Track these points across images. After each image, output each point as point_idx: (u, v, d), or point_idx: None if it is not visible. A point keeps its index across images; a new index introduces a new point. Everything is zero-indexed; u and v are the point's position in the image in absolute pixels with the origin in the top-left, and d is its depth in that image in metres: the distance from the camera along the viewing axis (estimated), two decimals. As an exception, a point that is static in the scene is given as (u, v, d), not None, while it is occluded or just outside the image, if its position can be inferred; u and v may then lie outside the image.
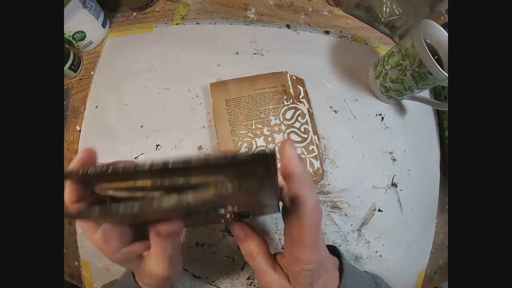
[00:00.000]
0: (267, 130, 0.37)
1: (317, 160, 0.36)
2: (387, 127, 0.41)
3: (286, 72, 0.39)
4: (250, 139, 0.36)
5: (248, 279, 0.36)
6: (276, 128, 0.37)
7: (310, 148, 0.36)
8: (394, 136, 0.41)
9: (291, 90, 0.38)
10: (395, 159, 0.40)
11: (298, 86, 0.39)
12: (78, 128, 0.39)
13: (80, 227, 0.20)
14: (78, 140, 0.38)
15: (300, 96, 0.38)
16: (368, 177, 0.39)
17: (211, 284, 0.36)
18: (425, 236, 0.41)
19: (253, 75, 0.38)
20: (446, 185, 0.43)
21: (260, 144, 0.36)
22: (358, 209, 0.38)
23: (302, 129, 0.37)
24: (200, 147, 0.37)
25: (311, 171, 0.36)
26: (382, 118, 0.41)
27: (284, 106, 0.37)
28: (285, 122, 0.37)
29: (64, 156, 0.39)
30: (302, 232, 0.19)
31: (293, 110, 0.37)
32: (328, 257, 0.23)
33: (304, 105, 0.38)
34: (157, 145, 0.37)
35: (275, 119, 0.37)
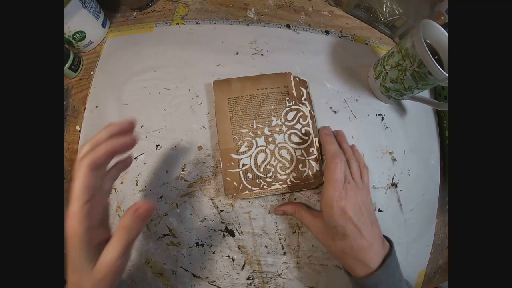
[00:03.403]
0: (268, 130, 0.36)
1: (316, 163, 0.36)
2: (387, 127, 0.41)
3: (290, 73, 0.38)
4: (250, 139, 0.36)
5: (248, 279, 0.36)
6: (277, 129, 0.37)
7: (310, 150, 0.36)
8: (394, 136, 0.41)
9: (294, 91, 0.38)
10: (395, 159, 0.40)
11: (301, 88, 0.39)
12: (78, 128, 0.39)
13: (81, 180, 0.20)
14: (78, 140, 0.38)
15: (303, 98, 0.38)
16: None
17: (211, 284, 0.36)
18: (425, 236, 0.41)
19: (257, 74, 0.38)
20: (446, 185, 0.43)
21: (260, 143, 0.36)
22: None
23: (303, 131, 0.37)
24: (200, 147, 0.37)
25: (310, 173, 0.36)
26: (382, 118, 0.41)
27: (286, 107, 0.37)
28: (286, 123, 0.37)
29: (64, 156, 0.39)
30: (327, 170, 0.30)
31: (295, 112, 0.37)
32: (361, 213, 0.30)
33: (306, 107, 0.38)
34: (157, 145, 0.37)
35: (276, 120, 0.37)
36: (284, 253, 0.37)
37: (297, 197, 0.37)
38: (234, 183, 0.35)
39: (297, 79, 0.39)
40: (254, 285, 0.36)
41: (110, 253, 0.20)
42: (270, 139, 0.36)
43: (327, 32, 0.44)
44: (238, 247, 0.36)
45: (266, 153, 0.36)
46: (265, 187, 0.35)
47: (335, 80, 0.41)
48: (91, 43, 0.41)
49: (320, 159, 0.36)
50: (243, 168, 0.35)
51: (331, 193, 0.29)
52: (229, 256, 0.36)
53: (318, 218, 0.31)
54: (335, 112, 0.40)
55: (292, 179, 0.35)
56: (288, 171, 0.35)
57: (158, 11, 0.44)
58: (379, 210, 0.39)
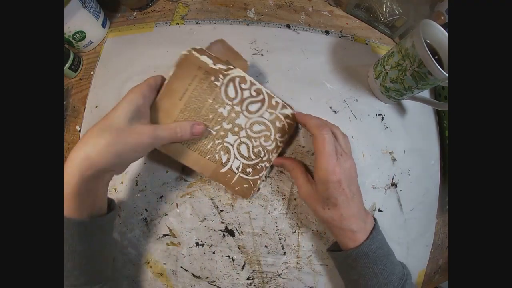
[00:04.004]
0: (227, 123, 0.33)
1: (285, 108, 0.33)
2: (387, 127, 0.41)
3: (190, 51, 0.30)
4: (221, 145, 0.33)
5: (248, 279, 0.36)
6: (233, 114, 0.33)
7: (273, 102, 0.33)
8: (394, 136, 0.41)
9: (212, 65, 0.31)
10: (395, 159, 0.40)
11: (212, 54, 0.31)
12: (78, 128, 0.39)
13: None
14: (78, 140, 0.38)
15: (223, 65, 0.31)
16: (368, 177, 0.39)
17: (211, 284, 0.36)
18: (425, 236, 0.41)
19: (164, 84, 0.31)
20: (446, 185, 0.43)
21: (232, 140, 0.33)
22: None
23: (254, 93, 0.32)
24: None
25: (287, 121, 0.34)
26: (382, 118, 0.41)
27: (220, 87, 0.31)
28: (234, 101, 0.32)
29: (64, 156, 0.39)
30: (318, 146, 0.29)
31: (231, 83, 0.32)
32: (350, 190, 0.30)
33: (234, 67, 0.32)
34: (157, 145, 0.37)
35: (224, 108, 0.32)
36: (284, 253, 0.37)
37: (297, 197, 0.37)
38: (245, 185, 0.35)
39: (198, 49, 0.30)
40: (254, 285, 0.36)
41: (160, 129, 0.28)
42: (236, 129, 0.33)
43: (327, 32, 0.44)
44: (238, 247, 0.36)
45: (243, 142, 0.34)
46: (267, 165, 0.35)
47: (335, 80, 0.41)
48: (91, 43, 0.41)
49: (284, 102, 0.34)
50: (240, 171, 0.34)
51: (325, 166, 0.28)
52: (229, 256, 0.36)
53: (312, 185, 0.31)
54: (335, 112, 0.40)
55: (279, 139, 0.34)
56: (272, 137, 0.34)
57: (158, 11, 0.44)
58: (379, 210, 0.39)
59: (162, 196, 0.37)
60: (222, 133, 0.33)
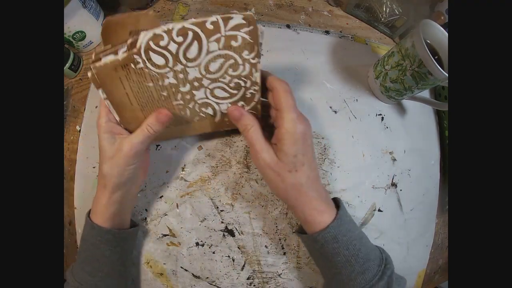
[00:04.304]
0: (184, 86, 0.28)
1: (232, 17, 0.25)
2: (387, 127, 0.41)
3: (91, 66, 0.26)
4: (197, 105, 0.30)
5: (248, 279, 0.36)
6: (181, 75, 0.28)
7: (209, 26, 0.25)
8: (394, 136, 0.41)
9: (118, 57, 0.25)
10: (395, 159, 0.40)
11: (106, 48, 0.27)
12: (78, 128, 0.39)
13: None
14: (78, 140, 0.38)
15: (123, 46, 0.26)
16: (368, 177, 0.39)
17: (211, 284, 0.36)
18: (425, 236, 0.41)
19: (108, 105, 0.29)
20: (446, 185, 0.43)
21: (203, 94, 0.29)
22: (358, 209, 0.38)
23: (179, 39, 0.25)
24: (200, 147, 0.37)
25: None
26: (382, 118, 0.41)
27: (146, 65, 0.26)
28: (168, 64, 0.26)
29: (64, 156, 0.39)
30: (281, 98, 0.26)
31: (150, 52, 0.25)
32: (313, 165, 0.28)
33: (137, 35, 0.25)
34: (157, 145, 0.37)
35: (168, 78, 0.27)
36: (284, 253, 0.37)
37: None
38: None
39: (101, 52, 0.27)
40: (254, 285, 0.36)
41: (134, 136, 0.28)
42: (195, 83, 0.28)
43: (327, 32, 0.44)
44: (238, 247, 0.36)
45: (213, 87, 0.29)
46: (256, 88, 0.29)
47: (335, 80, 0.41)
48: (91, 43, 0.41)
49: (222, 15, 0.25)
50: None
51: (292, 116, 0.26)
52: (229, 256, 0.36)
53: (272, 149, 0.27)
54: (335, 112, 0.40)
55: (249, 56, 0.27)
56: (239, 60, 0.27)
57: (158, 11, 0.44)
58: (379, 210, 0.39)
59: (162, 196, 0.37)
60: (188, 97, 0.29)
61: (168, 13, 0.44)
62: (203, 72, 0.27)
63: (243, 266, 0.36)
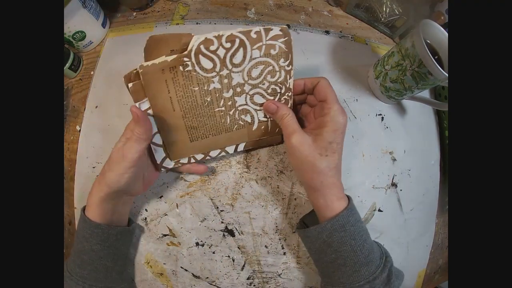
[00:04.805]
0: (227, 92, 0.30)
1: (272, 29, 0.28)
2: (387, 127, 0.41)
3: (141, 67, 0.27)
4: (237, 112, 0.31)
5: (248, 279, 0.36)
6: (225, 80, 0.29)
7: (254, 35, 0.28)
8: (394, 136, 0.41)
9: (168, 58, 0.27)
10: (395, 159, 0.40)
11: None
12: (78, 128, 0.39)
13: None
14: (78, 140, 0.38)
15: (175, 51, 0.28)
16: (368, 177, 0.39)
17: (211, 284, 0.36)
18: (425, 236, 0.41)
19: (151, 112, 0.29)
20: (446, 185, 0.43)
21: (244, 100, 0.31)
22: (358, 209, 0.38)
23: (228, 44, 0.27)
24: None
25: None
26: (382, 118, 0.41)
27: (194, 68, 0.28)
28: (216, 69, 0.28)
29: (64, 156, 0.39)
30: (326, 90, 0.30)
31: (200, 56, 0.27)
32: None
33: (187, 43, 0.27)
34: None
35: (213, 82, 0.29)
36: (284, 253, 0.37)
37: (297, 197, 0.37)
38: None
39: (153, 54, 0.29)
40: (254, 285, 0.36)
41: (128, 143, 0.28)
42: (238, 89, 0.30)
43: (327, 32, 0.44)
44: (238, 247, 0.36)
45: (253, 93, 0.31)
46: (289, 93, 0.32)
47: (335, 80, 0.41)
48: (91, 43, 0.41)
49: (264, 27, 0.28)
50: (268, 116, 0.33)
51: (338, 106, 0.29)
52: (229, 256, 0.36)
53: (307, 132, 0.29)
54: (335, 112, 0.40)
55: (284, 63, 0.30)
56: (276, 67, 0.30)
57: (158, 11, 0.44)
58: (379, 210, 0.39)
59: (162, 196, 0.37)
60: (230, 103, 0.31)
61: (168, 13, 0.44)
62: (246, 78, 0.30)
63: (243, 266, 0.36)
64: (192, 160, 0.34)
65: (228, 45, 0.27)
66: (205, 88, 0.29)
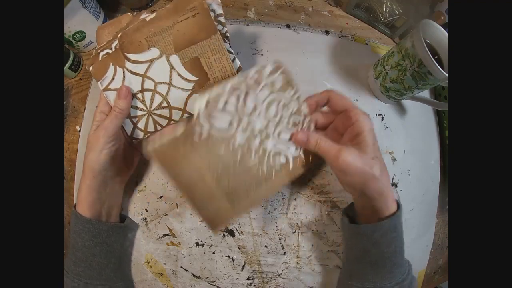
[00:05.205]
0: (254, 141, 0.29)
1: (267, 66, 0.28)
2: (387, 127, 0.41)
3: (154, 147, 0.26)
4: (271, 158, 0.30)
5: (248, 279, 0.36)
6: (248, 133, 0.28)
7: (253, 82, 0.28)
8: (394, 136, 0.41)
9: (179, 134, 0.26)
10: (395, 159, 0.40)
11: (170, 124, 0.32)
12: (78, 128, 0.39)
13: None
14: (78, 140, 0.38)
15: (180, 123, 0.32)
16: (368, 177, 0.39)
17: (211, 284, 0.36)
18: (425, 236, 0.41)
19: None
20: (446, 185, 0.43)
21: (272, 144, 0.30)
22: (358, 209, 0.38)
23: (234, 100, 0.27)
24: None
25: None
26: (382, 118, 0.41)
27: (210, 135, 0.27)
28: (234, 125, 0.28)
29: (64, 156, 0.39)
30: (343, 101, 0.30)
31: (212, 116, 0.26)
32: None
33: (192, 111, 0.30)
34: (157, 145, 0.37)
35: (237, 139, 0.28)
36: (284, 253, 0.37)
37: (297, 197, 0.37)
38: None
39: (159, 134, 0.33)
40: (254, 285, 0.36)
41: (105, 119, 0.29)
42: (263, 134, 0.30)
43: (327, 32, 0.44)
44: (238, 247, 0.36)
45: (278, 132, 0.30)
46: (308, 117, 0.31)
47: (335, 80, 0.41)
48: (91, 43, 0.41)
49: (256, 69, 0.28)
50: (299, 150, 0.32)
51: (360, 110, 0.29)
52: (229, 256, 0.36)
53: (350, 149, 0.28)
54: (335, 112, 0.40)
55: (293, 92, 0.31)
56: (287, 98, 0.30)
57: (158, 11, 0.44)
58: (379, 210, 0.39)
59: (162, 196, 0.37)
60: (261, 152, 0.29)
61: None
62: (265, 121, 0.29)
63: (243, 266, 0.36)
64: (158, 128, 0.32)
65: (233, 99, 0.27)
66: (231, 147, 0.28)
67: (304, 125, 0.31)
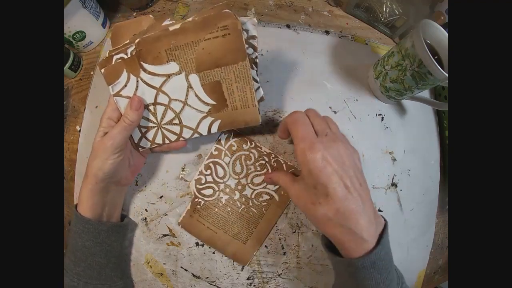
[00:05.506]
0: (240, 198, 0.36)
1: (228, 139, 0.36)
2: (387, 127, 0.41)
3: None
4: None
5: (248, 279, 0.36)
6: (239, 203, 0.36)
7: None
8: (394, 136, 0.41)
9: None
10: (395, 159, 0.40)
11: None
12: (78, 128, 0.39)
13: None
14: (78, 140, 0.38)
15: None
16: (368, 177, 0.38)
17: (211, 284, 0.36)
18: (425, 236, 0.41)
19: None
20: (446, 185, 0.43)
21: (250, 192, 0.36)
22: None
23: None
24: (199, 156, 0.37)
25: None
26: (382, 118, 0.41)
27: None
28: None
29: (64, 156, 0.39)
30: (289, 131, 0.28)
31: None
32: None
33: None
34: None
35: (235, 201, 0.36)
36: (284, 253, 0.37)
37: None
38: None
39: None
40: (254, 285, 0.36)
41: (113, 128, 0.29)
42: (243, 196, 0.36)
43: (327, 32, 0.44)
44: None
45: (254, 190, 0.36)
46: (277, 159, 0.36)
47: (335, 80, 0.41)
48: (91, 43, 0.41)
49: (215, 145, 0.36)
50: (274, 189, 0.36)
51: (300, 146, 0.25)
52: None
53: (298, 181, 0.27)
54: (335, 112, 0.40)
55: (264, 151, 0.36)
56: (256, 158, 0.36)
57: (158, 11, 0.44)
58: (379, 210, 0.39)
59: (162, 196, 0.37)
60: (243, 199, 0.36)
61: (168, 13, 0.44)
62: (236, 177, 0.36)
63: (243, 266, 0.36)
64: (166, 141, 0.33)
65: (208, 171, 0.36)
66: (220, 204, 0.36)
67: (273, 163, 0.36)
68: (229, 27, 0.25)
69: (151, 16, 0.30)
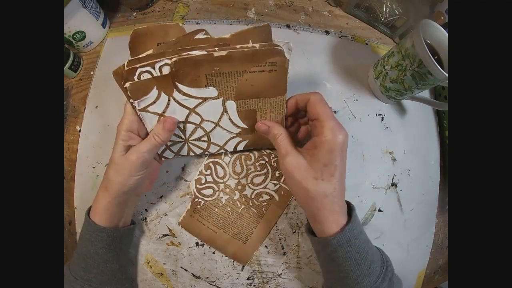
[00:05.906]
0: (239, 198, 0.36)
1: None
2: (387, 127, 0.41)
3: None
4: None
5: (248, 279, 0.36)
6: (240, 205, 0.36)
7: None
8: (394, 136, 0.41)
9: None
10: (395, 159, 0.40)
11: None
12: (78, 128, 0.39)
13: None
14: (78, 140, 0.38)
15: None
16: (368, 177, 0.39)
17: (211, 284, 0.36)
18: (425, 236, 0.41)
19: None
20: (446, 185, 0.43)
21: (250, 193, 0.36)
22: (358, 209, 0.37)
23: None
24: (199, 156, 0.37)
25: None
26: (382, 118, 0.41)
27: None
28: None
29: (64, 156, 0.39)
30: (317, 108, 0.27)
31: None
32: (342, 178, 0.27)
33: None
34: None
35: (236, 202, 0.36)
36: (284, 253, 0.37)
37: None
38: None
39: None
40: (254, 285, 0.36)
41: (141, 145, 0.28)
42: (241, 193, 0.36)
43: (327, 32, 0.44)
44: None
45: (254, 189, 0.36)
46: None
47: (335, 80, 0.41)
48: (91, 43, 0.41)
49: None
50: (275, 188, 0.36)
51: (332, 124, 0.26)
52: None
53: (301, 154, 0.27)
54: (335, 112, 0.40)
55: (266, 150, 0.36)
56: (256, 158, 0.36)
57: (158, 11, 0.44)
58: (379, 210, 0.39)
59: (162, 196, 0.37)
60: (243, 199, 0.36)
61: (168, 13, 0.44)
62: (236, 177, 0.36)
63: (243, 266, 0.36)
64: (191, 154, 0.34)
65: (208, 171, 0.36)
66: (220, 204, 0.36)
67: (272, 163, 0.36)
68: (277, 64, 0.25)
69: (179, 24, 0.28)
